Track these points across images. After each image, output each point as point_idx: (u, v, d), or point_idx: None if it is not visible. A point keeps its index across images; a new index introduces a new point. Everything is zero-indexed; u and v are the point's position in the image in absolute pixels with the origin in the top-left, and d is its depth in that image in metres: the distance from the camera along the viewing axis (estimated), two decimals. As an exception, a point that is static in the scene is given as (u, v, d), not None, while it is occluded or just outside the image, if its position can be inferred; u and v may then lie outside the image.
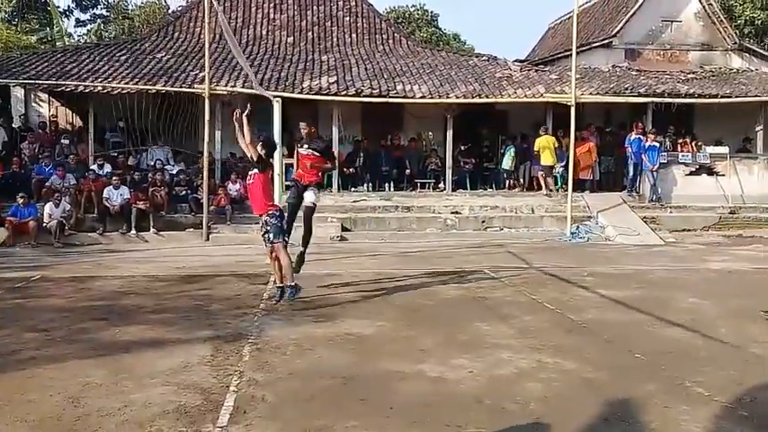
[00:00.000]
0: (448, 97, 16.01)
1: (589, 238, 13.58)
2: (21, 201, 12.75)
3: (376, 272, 9.36)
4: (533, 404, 4.21)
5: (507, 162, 17.00)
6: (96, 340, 5.64)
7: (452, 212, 14.91)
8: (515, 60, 20.42)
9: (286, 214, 7.51)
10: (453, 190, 16.51)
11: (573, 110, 14.31)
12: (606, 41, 19.92)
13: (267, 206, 7.10)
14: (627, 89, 16.53)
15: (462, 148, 17.12)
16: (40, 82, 15.58)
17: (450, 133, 16.40)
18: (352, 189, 16.56)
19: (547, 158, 16.14)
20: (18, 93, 17.41)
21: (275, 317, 6.61)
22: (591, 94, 16.07)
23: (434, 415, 4.03)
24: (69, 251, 11.94)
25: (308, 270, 8.26)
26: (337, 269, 9.48)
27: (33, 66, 16.01)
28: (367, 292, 7.83)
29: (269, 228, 6.99)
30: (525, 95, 16.20)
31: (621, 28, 19.73)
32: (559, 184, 16.31)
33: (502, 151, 17.14)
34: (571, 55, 15.18)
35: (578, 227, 14.07)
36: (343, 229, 13.92)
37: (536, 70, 18.54)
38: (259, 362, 5.04)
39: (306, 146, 8.27)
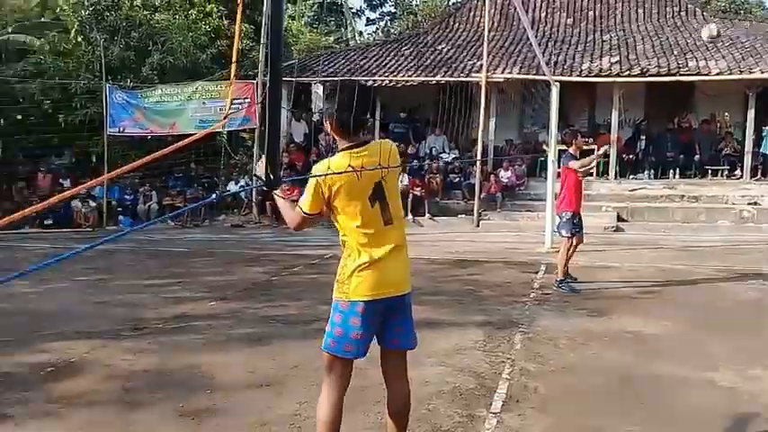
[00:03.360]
0: (750, 72, 14.11)
1: None
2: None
3: (657, 266, 8.67)
4: None
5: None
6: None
7: (750, 203, 13.17)
8: (841, 24, 17.23)
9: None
10: (752, 177, 14.56)
11: None
12: None
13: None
14: None
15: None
16: (335, 79, 17.19)
17: (751, 113, 14.47)
18: (631, 176, 15.52)
19: None
20: (318, 89, 19.45)
21: (546, 307, 6.48)
22: None
23: (729, 430, 3.60)
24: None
25: (581, 261, 7.96)
26: (613, 261, 8.97)
27: (330, 64, 17.73)
28: (646, 288, 7.29)
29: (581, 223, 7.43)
30: None
31: None
32: None
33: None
34: None
35: None
36: (619, 219, 13.14)
37: None
38: (531, 352, 4.98)
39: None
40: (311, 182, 2.74)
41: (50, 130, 15.91)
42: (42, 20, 19.55)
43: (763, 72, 14.02)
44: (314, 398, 3.97)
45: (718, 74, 14.30)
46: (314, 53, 20.94)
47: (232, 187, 15.12)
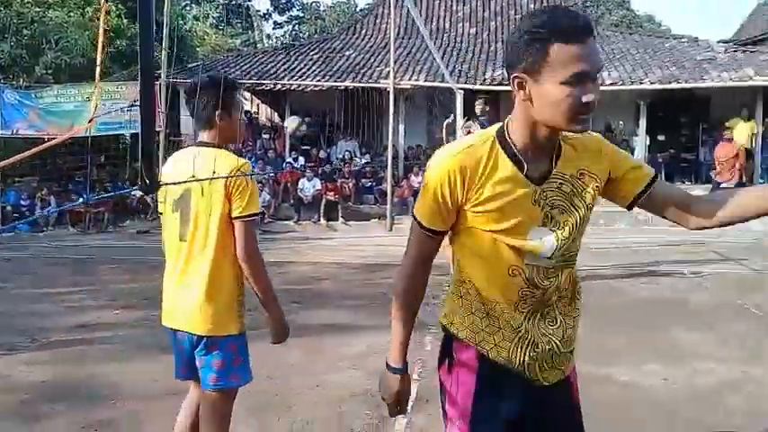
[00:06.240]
0: (641, 83, 15.04)
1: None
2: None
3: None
4: (739, 419, 3.84)
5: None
6: (292, 322, 5.96)
7: (644, 206, 14.00)
8: (719, 41, 18.65)
9: None
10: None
11: (789, 94, 12.80)
12: (832, 15, 17.52)
13: None
14: None
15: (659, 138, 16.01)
16: (243, 81, 16.93)
17: (643, 122, 15.40)
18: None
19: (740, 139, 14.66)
20: (225, 92, 19.10)
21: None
22: (811, 75, 14.25)
23: (625, 422, 3.83)
24: (268, 238, 12.90)
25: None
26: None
27: (238, 66, 17.46)
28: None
29: None
30: (731, 79, 14.74)
31: None
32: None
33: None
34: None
35: (793, 224, 12.56)
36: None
37: (744, 51, 16.77)
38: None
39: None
40: None
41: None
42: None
43: (652, 83, 14.96)
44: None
45: (611, 84, 15.12)
46: (220, 56, 20.55)
47: (137, 193, 14.60)
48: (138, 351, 5.15)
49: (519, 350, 1.72)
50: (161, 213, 2.61)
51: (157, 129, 14.62)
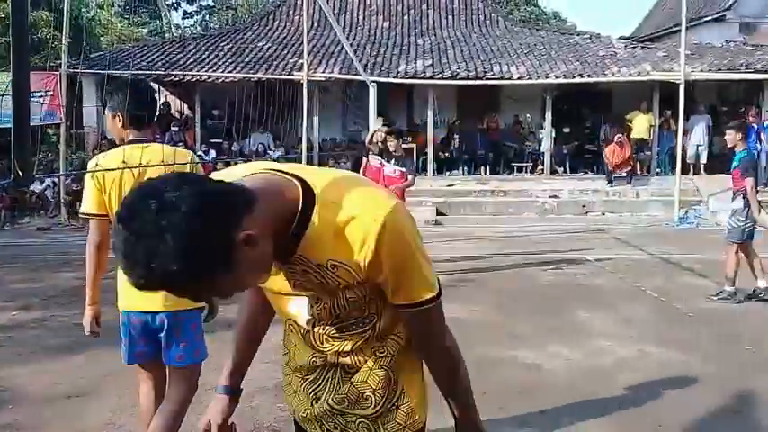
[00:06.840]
0: (547, 77, 15.57)
1: (699, 224, 12.88)
2: (135, 185, 13.59)
3: (471, 256, 9.29)
4: (634, 395, 4.06)
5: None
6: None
7: (551, 196, 14.53)
8: (620, 37, 19.54)
9: None
10: (552, 173, 16.10)
11: (682, 88, 13.55)
12: (719, 15, 18.69)
13: None
14: (741, 66, 15.47)
15: (564, 131, 16.64)
16: (150, 72, 16.36)
17: (548, 115, 15.96)
18: (447, 173, 16.46)
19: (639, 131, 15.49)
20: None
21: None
22: (702, 71, 15.16)
23: (529, 401, 3.97)
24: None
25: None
26: (431, 253, 9.44)
27: (145, 57, 16.87)
28: (461, 277, 7.78)
29: None
30: (630, 74, 15.50)
31: (736, 0, 18.46)
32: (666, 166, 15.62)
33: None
34: (680, 30, 14.36)
35: (687, 212, 13.37)
36: (438, 213, 13.88)
37: (642, 47, 17.68)
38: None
39: (393, 161, 7.30)
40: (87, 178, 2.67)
41: None
42: None
43: (557, 77, 15.52)
44: (127, 405, 3.82)
45: (519, 78, 15.59)
46: (126, 46, 19.78)
47: (36, 187, 13.87)
48: (38, 353, 4.92)
49: (301, 402, 1.57)
50: (98, 214, 2.65)
51: (58, 121, 14.02)
